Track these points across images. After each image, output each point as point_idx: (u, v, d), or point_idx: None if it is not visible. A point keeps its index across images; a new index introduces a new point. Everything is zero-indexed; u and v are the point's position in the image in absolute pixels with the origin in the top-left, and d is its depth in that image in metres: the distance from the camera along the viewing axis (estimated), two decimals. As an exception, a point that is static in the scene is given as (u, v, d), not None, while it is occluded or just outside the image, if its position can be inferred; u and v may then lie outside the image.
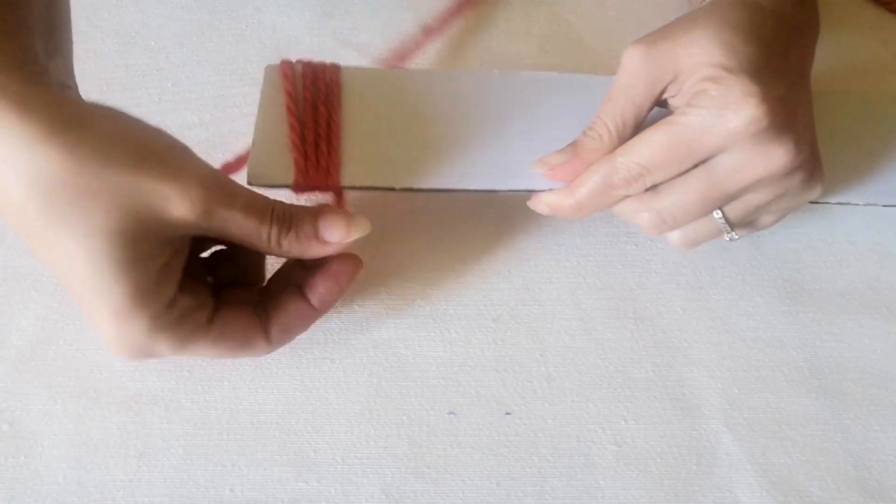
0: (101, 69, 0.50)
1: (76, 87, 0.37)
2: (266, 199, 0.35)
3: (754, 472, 0.39)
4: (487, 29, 0.53)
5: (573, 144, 0.39)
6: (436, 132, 0.41)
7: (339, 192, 0.39)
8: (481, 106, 0.42)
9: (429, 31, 0.49)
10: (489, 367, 0.41)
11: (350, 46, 0.50)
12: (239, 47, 0.50)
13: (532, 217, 0.45)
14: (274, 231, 0.35)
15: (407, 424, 0.39)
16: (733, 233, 0.39)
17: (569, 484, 0.38)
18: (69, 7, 0.38)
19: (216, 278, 0.38)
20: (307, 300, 0.37)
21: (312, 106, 0.40)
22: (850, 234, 0.46)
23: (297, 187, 0.39)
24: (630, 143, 0.37)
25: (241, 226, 0.34)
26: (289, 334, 0.38)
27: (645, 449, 0.39)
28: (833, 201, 0.42)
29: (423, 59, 0.51)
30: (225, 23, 0.51)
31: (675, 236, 0.40)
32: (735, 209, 0.38)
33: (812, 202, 0.40)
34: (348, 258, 0.38)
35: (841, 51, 0.50)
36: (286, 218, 0.35)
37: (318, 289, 0.37)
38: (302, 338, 0.41)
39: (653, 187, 0.38)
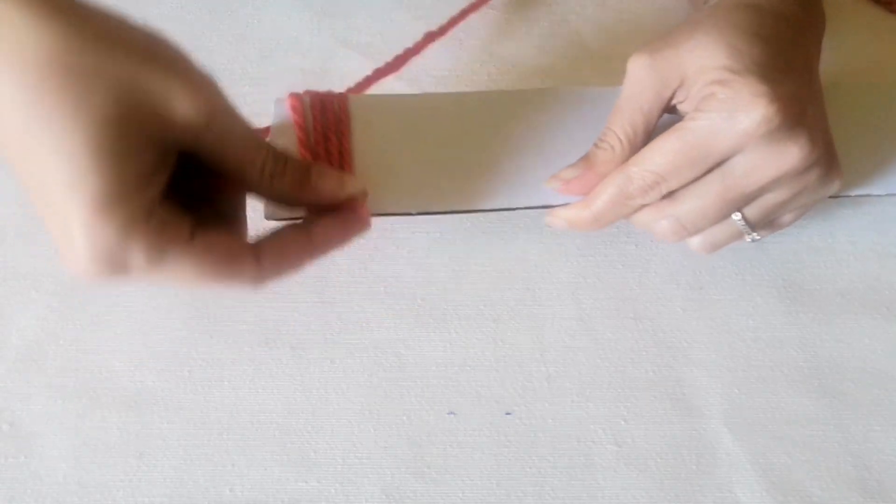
0: (101, 69, 0.50)
1: None
2: (261, 134, 0.34)
3: (754, 472, 0.39)
4: (487, 29, 0.53)
5: (585, 157, 0.39)
6: (446, 154, 0.41)
7: None
8: (489, 125, 0.42)
9: (431, 36, 0.49)
10: (489, 367, 0.41)
11: (350, 46, 0.50)
12: (239, 47, 0.50)
13: (532, 217, 0.45)
14: (269, 164, 0.33)
15: (407, 424, 0.39)
16: (754, 234, 0.39)
17: (569, 484, 0.38)
18: None
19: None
20: (307, 232, 0.35)
21: (323, 136, 0.40)
22: (850, 234, 0.46)
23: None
24: (642, 151, 0.37)
25: (237, 147, 0.32)
26: (281, 263, 0.34)
27: (645, 449, 0.39)
28: (853, 194, 0.42)
29: (423, 61, 0.51)
30: (225, 23, 0.51)
31: (695, 242, 0.40)
32: (754, 210, 0.38)
33: (832, 196, 0.40)
34: (361, 209, 0.36)
35: (841, 51, 0.50)
36: (282, 157, 0.34)
37: (321, 223, 0.35)
38: (302, 338, 0.41)
39: (669, 194, 0.38)
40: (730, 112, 0.35)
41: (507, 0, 0.54)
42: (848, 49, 0.51)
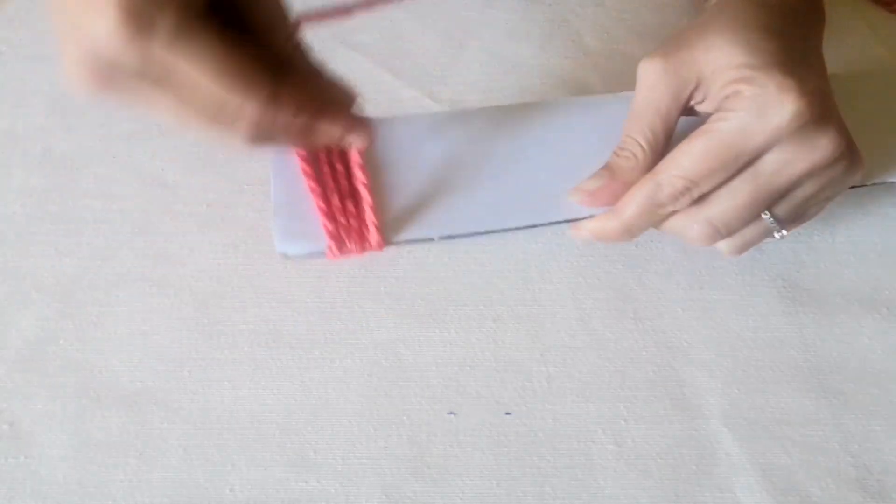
0: (101, 69, 0.50)
1: None
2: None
3: (754, 472, 0.39)
4: (487, 29, 0.53)
5: (607, 167, 0.38)
6: (458, 174, 0.40)
7: (378, 249, 0.39)
8: (502, 140, 0.41)
9: None
10: (489, 367, 0.41)
11: (350, 46, 0.50)
12: (239, 47, 0.50)
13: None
14: (293, 35, 0.32)
15: (407, 424, 0.39)
16: (783, 230, 0.39)
17: (569, 484, 0.38)
18: None
19: None
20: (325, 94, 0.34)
21: (329, 165, 0.39)
22: (850, 234, 0.46)
23: (333, 254, 0.39)
24: (670, 157, 0.37)
25: (270, 6, 0.31)
26: (299, 102, 0.31)
27: (645, 449, 0.39)
28: (868, 182, 0.42)
29: (422, 62, 0.51)
30: (225, 23, 0.51)
31: (726, 245, 0.39)
32: (784, 206, 0.38)
33: (852, 186, 0.40)
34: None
35: (841, 51, 0.50)
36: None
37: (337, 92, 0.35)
38: (302, 338, 0.41)
39: (699, 198, 0.37)
40: (759, 109, 0.34)
41: (507, 0, 0.54)
42: (848, 49, 0.51)
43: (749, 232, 0.39)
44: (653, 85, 0.37)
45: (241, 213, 0.45)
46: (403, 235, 0.39)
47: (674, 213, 0.38)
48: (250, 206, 0.45)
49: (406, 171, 0.40)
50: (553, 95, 0.49)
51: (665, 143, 0.37)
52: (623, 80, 0.51)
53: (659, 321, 0.43)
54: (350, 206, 0.39)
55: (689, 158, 0.36)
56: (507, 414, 0.40)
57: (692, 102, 0.37)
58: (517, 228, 0.40)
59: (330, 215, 0.39)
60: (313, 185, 0.39)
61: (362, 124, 0.35)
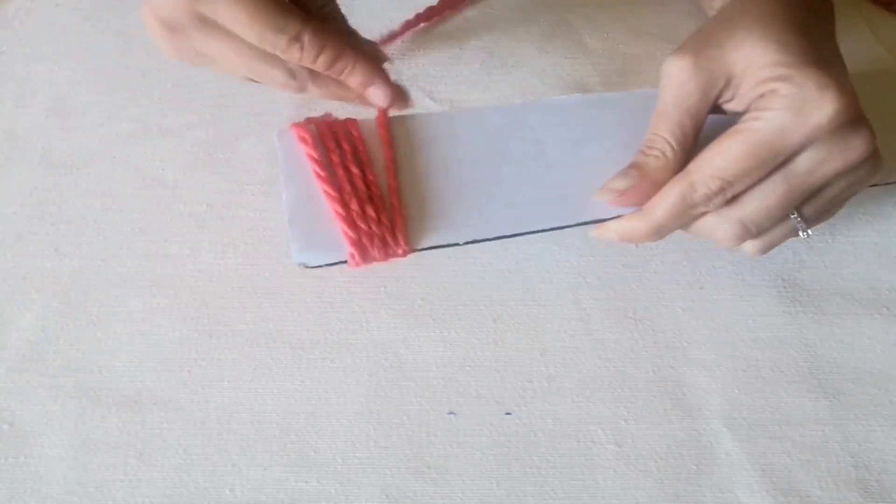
0: (101, 69, 0.50)
1: None
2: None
3: (754, 472, 0.39)
4: (488, 29, 0.53)
5: (636, 166, 0.37)
6: (477, 175, 0.39)
7: (403, 255, 0.38)
8: (520, 139, 0.40)
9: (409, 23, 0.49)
10: (489, 367, 0.41)
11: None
12: (239, 47, 0.50)
13: (532, 217, 0.45)
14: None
15: (407, 424, 0.39)
16: (809, 230, 0.38)
17: (569, 484, 0.38)
18: None
19: None
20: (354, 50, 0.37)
21: (343, 168, 0.37)
22: (850, 233, 0.46)
23: (355, 263, 0.37)
24: (704, 157, 0.36)
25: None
26: (319, 43, 0.35)
27: (645, 449, 0.39)
28: (881, 182, 0.42)
29: (423, 61, 0.51)
30: (225, 23, 0.51)
31: (752, 246, 0.39)
32: (811, 206, 0.37)
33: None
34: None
35: (841, 51, 0.50)
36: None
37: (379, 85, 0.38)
38: (302, 338, 0.41)
39: (731, 199, 0.37)
40: (798, 108, 0.34)
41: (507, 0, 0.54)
42: (848, 49, 0.51)
43: (777, 231, 0.38)
44: (682, 82, 0.36)
45: (241, 213, 0.45)
46: (428, 241, 0.38)
47: (704, 213, 0.37)
48: (250, 206, 0.45)
49: (424, 173, 0.39)
50: (554, 95, 0.49)
51: (694, 141, 0.37)
52: (623, 81, 0.51)
53: (659, 321, 0.43)
54: (370, 212, 0.37)
55: (724, 158, 0.35)
56: (507, 414, 0.40)
57: (720, 101, 0.37)
58: (544, 231, 0.39)
59: (350, 221, 0.36)
60: (329, 189, 0.37)
61: (385, 79, 0.38)
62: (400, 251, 0.37)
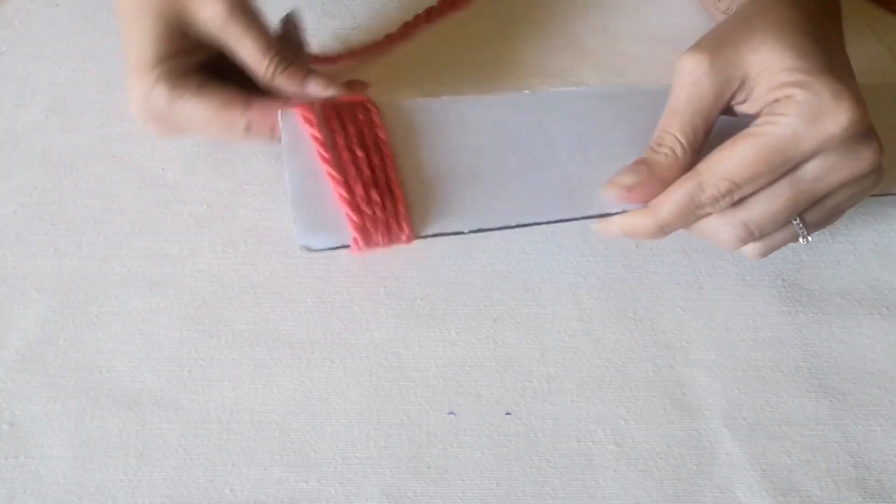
0: (101, 69, 0.50)
1: None
2: (274, 41, 0.42)
3: (754, 472, 0.39)
4: (488, 29, 0.53)
5: (645, 163, 0.37)
6: (485, 163, 0.39)
7: (406, 242, 0.37)
8: (527, 129, 0.40)
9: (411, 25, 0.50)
10: (489, 367, 0.41)
11: (350, 47, 0.50)
12: (239, 47, 0.50)
13: (532, 217, 0.45)
14: (272, 64, 0.41)
15: (407, 424, 0.39)
16: (809, 236, 0.39)
17: (569, 484, 0.38)
18: None
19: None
20: (302, 85, 0.42)
21: (349, 151, 0.37)
22: (850, 234, 0.46)
23: (359, 248, 0.36)
24: (714, 158, 0.36)
25: (248, 48, 0.41)
26: (264, 117, 0.41)
27: (645, 449, 0.39)
28: (880, 193, 0.42)
29: (425, 61, 0.51)
30: (225, 23, 0.51)
31: (752, 248, 0.39)
32: (814, 212, 0.38)
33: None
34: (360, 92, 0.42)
35: (841, 51, 0.50)
36: (285, 60, 0.41)
37: (311, 82, 0.42)
38: (302, 338, 0.41)
39: (737, 201, 0.37)
40: (813, 115, 0.34)
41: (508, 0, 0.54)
42: (848, 49, 0.51)
43: (778, 235, 0.38)
44: (696, 81, 0.36)
45: (241, 213, 0.45)
46: (433, 228, 0.37)
47: (709, 214, 0.37)
48: (250, 206, 0.45)
49: (430, 159, 0.38)
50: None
51: (704, 141, 0.37)
52: (623, 81, 0.51)
53: (659, 321, 0.43)
54: (375, 196, 0.36)
55: (735, 161, 0.35)
56: (507, 414, 0.40)
57: (733, 102, 0.37)
58: (549, 223, 0.38)
59: (354, 205, 0.36)
60: (334, 172, 0.36)
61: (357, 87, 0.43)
62: (404, 237, 0.37)
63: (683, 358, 0.42)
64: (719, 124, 0.37)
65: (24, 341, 0.40)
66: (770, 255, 0.44)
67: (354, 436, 0.39)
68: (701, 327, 0.43)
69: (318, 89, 0.41)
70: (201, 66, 0.42)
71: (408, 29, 0.51)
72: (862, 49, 0.52)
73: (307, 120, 0.38)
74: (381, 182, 0.37)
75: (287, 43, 0.43)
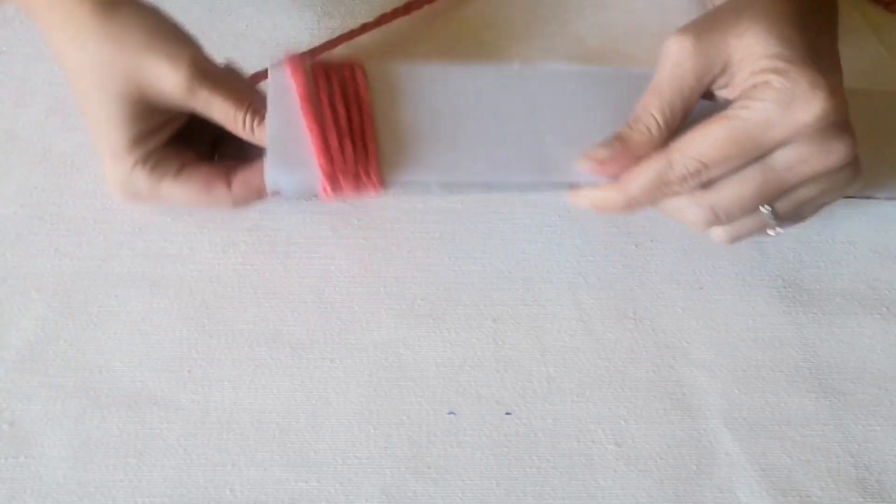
0: (101, 69, 0.50)
1: None
2: (249, 90, 0.41)
3: (754, 472, 0.39)
4: (487, 29, 0.53)
5: (619, 138, 0.37)
6: (465, 127, 0.39)
7: (374, 193, 0.38)
8: (510, 100, 0.40)
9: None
10: (489, 367, 0.41)
11: (350, 46, 0.50)
12: (239, 47, 0.50)
13: (532, 217, 0.45)
14: (248, 118, 0.39)
15: (407, 424, 0.39)
16: (779, 227, 0.39)
17: (569, 484, 0.38)
18: None
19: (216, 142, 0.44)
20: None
21: (330, 104, 0.38)
22: (850, 234, 0.46)
23: (326, 193, 0.37)
24: (686, 138, 0.36)
25: (220, 108, 0.39)
26: (247, 186, 0.42)
27: (645, 449, 0.39)
28: (858, 195, 0.42)
29: (421, 59, 0.51)
30: (225, 23, 0.51)
31: (720, 232, 0.39)
32: (785, 203, 0.38)
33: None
34: None
35: (841, 51, 0.50)
36: (261, 111, 0.39)
37: None
38: (302, 338, 0.41)
39: (706, 183, 0.37)
40: (788, 103, 0.34)
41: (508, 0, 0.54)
42: (848, 49, 0.51)
43: (746, 223, 0.39)
44: (680, 62, 0.36)
45: (240, 212, 0.45)
46: (401, 176, 0.38)
47: (678, 193, 0.38)
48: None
49: (409, 120, 0.39)
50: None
51: (681, 123, 0.37)
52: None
53: (659, 321, 0.43)
54: (348, 146, 0.37)
55: (706, 141, 0.35)
56: (507, 414, 0.40)
57: (715, 86, 0.37)
58: (517, 186, 0.39)
59: (326, 153, 0.37)
60: (311, 121, 0.37)
61: None
62: (372, 187, 0.38)
63: (683, 358, 0.42)
64: (701, 109, 0.37)
65: (24, 341, 0.40)
66: (770, 255, 0.44)
67: (354, 436, 0.39)
68: (701, 327, 0.43)
69: None
70: (177, 134, 0.42)
71: (384, 20, 0.51)
72: (862, 49, 0.52)
73: (294, 73, 0.39)
74: (357, 136, 0.38)
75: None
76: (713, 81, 0.37)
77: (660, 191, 0.37)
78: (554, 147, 0.39)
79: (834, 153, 0.35)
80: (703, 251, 0.45)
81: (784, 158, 0.36)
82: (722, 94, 0.37)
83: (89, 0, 0.39)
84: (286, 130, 0.38)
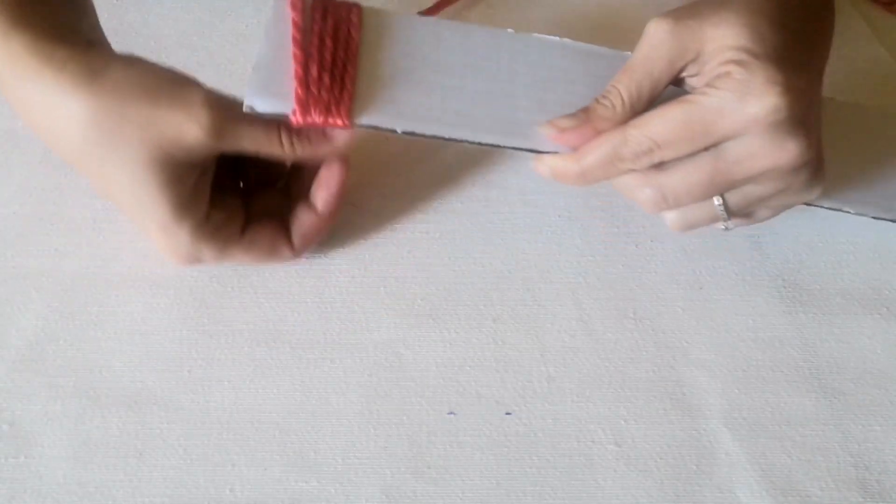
0: (101, 69, 0.50)
1: (104, 39, 0.41)
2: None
3: (754, 472, 0.39)
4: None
5: (584, 110, 0.39)
6: (446, 81, 0.40)
7: (342, 126, 0.39)
8: (495, 62, 0.41)
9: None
10: (489, 367, 0.41)
11: (350, 46, 0.50)
12: (239, 47, 0.50)
13: (532, 217, 0.45)
14: (285, 137, 0.38)
15: (407, 424, 0.39)
16: (729, 221, 0.39)
17: (569, 484, 0.38)
18: None
19: (247, 180, 0.43)
20: (315, 209, 0.42)
21: (320, 39, 0.39)
22: (850, 234, 0.46)
23: (296, 119, 0.39)
24: (644, 116, 0.37)
25: (253, 138, 0.38)
26: (308, 240, 0.42)
27: (645, 449, 0.39)
28: (825, 205, 0.42)
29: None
30: (225, 23, 0.51)
31: (672, 217, 0.40)
32: (736, 197, 0.38)
33: (806, 203, 0.41)
34: (334, 166, 0.41)
35: (841, 51, 0.50)
36: (294, 129, 0.39)
37: (318, 198, 0.41)
38: (302, 338, 0.41)
39: (658, 164, 0.38)
40: (741, 94, 0.35)
41: None
42: (848, 49, 0.51)
43: (696, 211, 0.39)
44: (655, 45, 0.37)
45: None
46: (368, 119, 0.39)
47: (631, 170, 0.38)
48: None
49: (393, 65, 0.40)
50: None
51: (647, 104, 0.38)
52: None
53: (659, 321, 0.43)
54: (326, 79, 0.39)
55: (660, 122, 0.36)
56: (507, 414, 0.40)
57: (685, 74, 0.38)
58: (481, 144, 0.40)
59: (304, 83, 0.39)
60: (297, 51, 0.39)
61: (337, 172, 0.42)
62: (340, 122, 0.39)
63: (683, 358, 0.42)
64: (671, 94, 0.38)
65: (24, 341, 0.40)
66: (770, 255, 0.44)
67: (354, 436, 0.39)
68: (701, 327, 0.43)
69: (344, 138, 0.40)
70: (219, 177, 0.40)
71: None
72: (862, 49, 0.52)
73: (293, 5, 0.40)
74: (338, 72, 0.39)
75: None
76: (685, 68, 0.37)
77: (613, 165, 0.38)
78: (526, 113, 0.40)
79: (785, 151, 0.36)
80: (703, 251, 0.45)
81: (734, 150, 0.36)
82: (692, 82, 0.38)
83: (69, 71, 0.35)
84: (274, 55, 0.39)
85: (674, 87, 0.38)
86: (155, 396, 0.39)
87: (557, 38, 0.42)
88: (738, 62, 0.35)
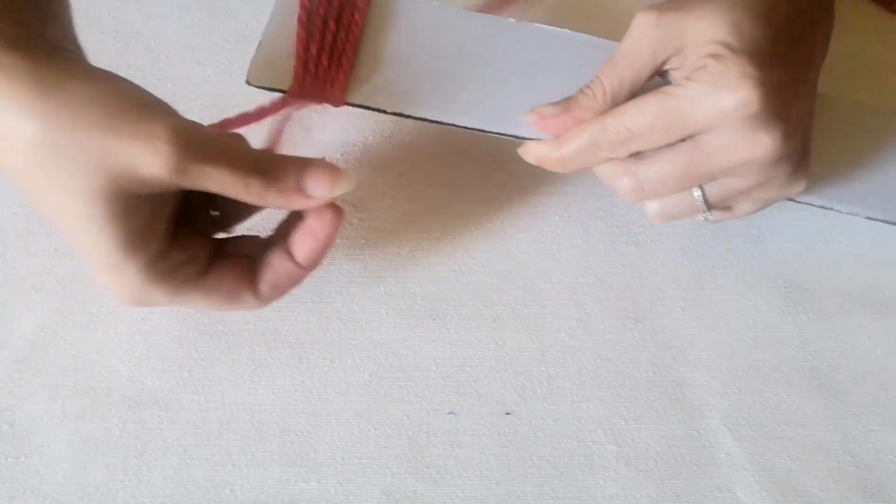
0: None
1: (77, 49, 0.36)
2: (248, 150, 0.35)
3: (754, 472, 0.39)
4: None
5: (567, 99, 0.39)
6: (439, 66, 0.41)
7: (335, 103, 0.41)
8: (492, 50, 0.42)
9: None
10: (489, 367, 0.41)
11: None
12: (239, 47, 0.50)
13: (532, 217, 0.45)
14: (256, 184, 0.33)
15: (407, 424, 0.39)
16: (709, 213, 0.40)
17: (569, 484, 0.38)
18: None
19: (219, 213, 0.38)
20: (293, 258, 0.37)
21: (323, 21, 0.41)
22: (850, 233, 0.46)
23: (292, 94, 0.40)
24: (622, 107, 0.38)
25: (219, 180, 0.33)
26: (278, 291, 0.37)
27: (645, 449, 0.39)
28: (816, 203, 0.42)
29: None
30: (225, 23, 0.51)
31: (652, 207, 0.40)
32: (714, 190, 0.39)
33: (795, 200, 0.40)
34: (326, 213, 0.36)
35: (841, 51, 0.50)
36: (269, 170, 0.34)
37: (300, 247, 0.36)
38: (302, 338, 0.41)
39: (637, 154, 0.38)
40: (715, 87, 0.35)
41: None
42: (848, 49, 0.51)
43: (675, 202, 0.40)
44: (638, 37, 0.37)
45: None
46: (362, 99, 0.41)
47: (609, 159, 0.39)
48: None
49: (392, 49, 0.42)
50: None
51: (628, 95, 0.38)
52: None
53: (659, 321, 0.43)
54: (325, 59, 0.41)
55: (637, 112, 0.37)
56: (507, 414, 0.40)
57: (668, 66, 0.38)
58: (467, 128, 0.41)
59: (303, 61, 0.41)
60: (301, 29, 0.41)
61: (332, 221, 0.37)
62: (334, 100, 0.41)
63: (683, 358, 0.42)
64: (654, 86, 0.38)
65: (24, 341, 0.40)
66: (770, 255, 0.44)
67: (354, 436, 0.39)
68: (701, 327, 0.43)
69: (323, 188, 0.35)
70: (191, 206, 0.36)
71: None
72: (862, 49, 0.52)
73: None
74: (338, 52, 0.41)
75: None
76: (668, 60, 0.37)
77: (592, 153, 0.39)
78: (516, 100, 0.41)
79: (760, 144, 0.36)
80: (703, 251, 0.45)
81: (710, 143, 0.36)
82: (675, 74, 0.38)
83: (20, 81, 0.31)
84: (278, 33, 0.41)
85: (659, 79, 0.39)
86: (155, 396, 0.39)
87: (556, 28, 0.43)
88: (715, 56, 0.35)
